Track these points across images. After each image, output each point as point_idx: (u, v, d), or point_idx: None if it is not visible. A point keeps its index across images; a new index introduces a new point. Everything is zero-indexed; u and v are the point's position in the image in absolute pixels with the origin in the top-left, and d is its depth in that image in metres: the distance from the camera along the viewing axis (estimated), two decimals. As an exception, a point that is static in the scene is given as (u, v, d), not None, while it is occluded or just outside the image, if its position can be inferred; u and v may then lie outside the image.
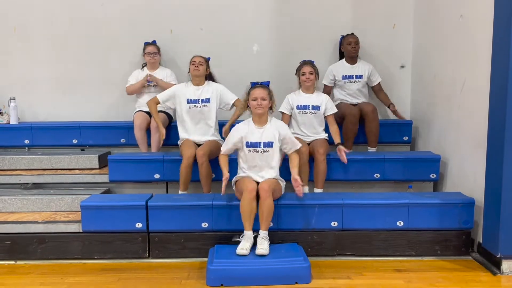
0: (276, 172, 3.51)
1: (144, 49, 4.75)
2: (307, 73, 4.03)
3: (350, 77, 4.64)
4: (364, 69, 4.67)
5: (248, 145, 3.44)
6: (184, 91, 4.12)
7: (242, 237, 3.24)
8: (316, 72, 4.08)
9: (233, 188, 3.56)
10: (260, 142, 3.43)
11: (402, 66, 5.02)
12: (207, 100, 4.11)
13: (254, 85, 3.51)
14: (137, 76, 4.75)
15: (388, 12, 4.93)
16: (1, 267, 3.40)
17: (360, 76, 4.64)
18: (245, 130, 3.47)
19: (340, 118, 4.50)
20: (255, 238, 3.23)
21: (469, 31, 3.72)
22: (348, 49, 4.63)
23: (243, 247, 3.16)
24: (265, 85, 3.52)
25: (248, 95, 3.49)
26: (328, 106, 4.09)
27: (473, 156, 3.62)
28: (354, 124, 4.42)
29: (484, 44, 3.37)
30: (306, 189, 3.96)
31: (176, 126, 4.31)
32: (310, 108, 4.07)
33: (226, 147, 3.54)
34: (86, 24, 4.98)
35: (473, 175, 3.60)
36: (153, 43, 4.77)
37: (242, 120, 3.63)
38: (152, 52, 4.71)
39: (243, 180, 3.39)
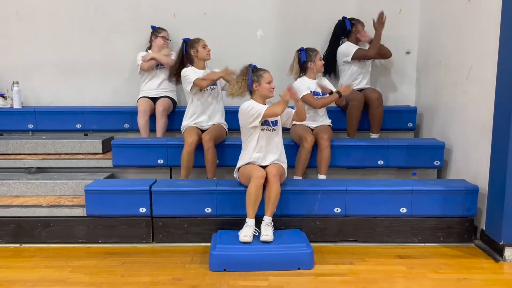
0: (283, 153, 3.50)
1: (157, 32, 4.66)
2: (322, 60, 4.10)
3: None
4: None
5: (264, 123, 3.40)
6: (195, 76, 4.07)
7: (245, 226, 3.23)
8: None
9: (235, 175, 3.55)
10: (269, 121, 3.43)
11: (408, 52, 4.97)
12: (214, 83, 4.10)
13: (254, 68, 3.48)
14: (145, 55, 4.70)
15: (394, -3, 4.87)
16: (6, 251, 3.43)
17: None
18: (258, 105, 3.41)
19: (344, 104, 4.47)
20: (259, 223, 3.24)
21: (476, 17, 3.67)
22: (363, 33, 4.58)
23: (247, 234, 3.16)
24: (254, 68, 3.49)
25: (256, 77, 3.42)
26: (328, 84, 4.14)
27: (477, 143, 3.60)
28: (358, 109, 4.38)
29: (492, 30, 3.33)
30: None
31: (179, 112, 4.31)
32: (320, 94, 4.07)
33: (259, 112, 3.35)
34: (89, 8, 4.94)
35: (478, 163, 3.59)
36: (164, 29, 4.72)
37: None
38: (167, 37, 4.67)
39: (251, 167, 3.37)
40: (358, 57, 4.52)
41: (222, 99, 4.18)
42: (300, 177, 3.94)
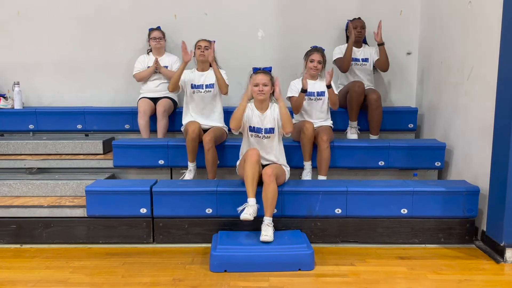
0: (280, 158, 3.50)
1: (149, 35, 4.73)
2: (315, 61, 3.99)
3: (356, 59, 4.61)
4: (370, 52, 4.65)
5: (251, 129, 3.44)
6: (190, 77, 4.10)
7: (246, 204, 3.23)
8: (324, 61, 4.06)
9: (236, 170, 3.57)
10: (261, 128, 3.42)
11: (409, 53, 4.98)
12: (211, 86, 4.09)
13: (256, 70, 3.49)
14: (144, 61, 4.72)
15: (395, -2, 4.88)
16: (7, 251, 3.43)
17: (366, 59, 4.61)
18: (249, 113, 3.45)
19: (343, 98, 4.45)
20: (260, 224, 3.24)
21: (477, 18, 3.66)
22: (354, 33, 4.59)
23: (247, 212, 3.15)
24: (267, 70, 3.49)
25: (250, 80, 3.47)
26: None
27: (479, 144, 3.60)
28: (358, 94, 4.35)
29: (493, 30, 3.33)
30: (309, 175, 3.95)
31: (180, 112, 4.31)
32: (315, 94, 4.05)
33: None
34: (90, 9, 4.95)
35: (478, 164, 3.59)
36: (158, 28, 4.74)
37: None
38: (158, 37, 4.68)
39: (246, 152, 3.39)
40: (336, 63, 4.60)
41: (220, 101, 4.17)
42: (309, 162, 3.92)
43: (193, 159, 3.94)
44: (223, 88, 4.02)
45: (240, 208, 3.23)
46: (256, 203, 3.22)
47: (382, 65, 4.59)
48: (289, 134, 3.46)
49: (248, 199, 3.24)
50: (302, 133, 3.90)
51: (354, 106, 4.41)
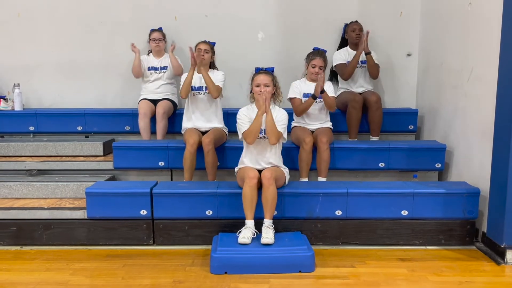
0: (278, 160, 3.50)
1: (149, 36, 4.72)
2: (317, 67, 3.97)
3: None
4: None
5: None
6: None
7: (244, 227, 3.24)
8: (325, 66, 4.05)
9: (236, 175, 3.56)
10: (262, 129, 3.41)
11: (409, 54, 4.98)
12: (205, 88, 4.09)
13: (258, 70, 3.48)
14: (144, 61, 4.72)
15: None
16: (7, 253, 3.43)
17: (365, 62, 4.62)
18: (250, 114, 3.45)
19: (343, 106, 4.48)
20: (260, 226, 3.24)
21: (477, 19, 3.67)
22: (353, 36, 4.60)
23: (245, 236, 3.16)
24: (270, 71, 3.49)
25: (251, 81, 3.47)
26: (329, 90, 3.99)
27: (479, 145, 3.59)
28: (357, 110, 4.38)
29: (493, 32, 3.33)
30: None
31: (180, 114, 4.31)
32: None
33: (244, 129, 3.39)
34: (90, 10, 4.96)
35: (479, 165, 3.59)
36: (159, 29, 4.74)
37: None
38: (157, 39, 4.68)
39: (244, 169, 3.39)
40: (337, 70, 4.61)
41: (219, 102, 4.17)
42: (306, 179, 3.92)
43: (190, 177, 3.90)
44: (214, 92, 3.99)
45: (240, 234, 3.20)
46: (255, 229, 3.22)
47: (371, 72, 4.59)
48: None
49: (246, 221, 3.24)
50: (301, 148, 3.89)
51: (354, 125, 4.41)
